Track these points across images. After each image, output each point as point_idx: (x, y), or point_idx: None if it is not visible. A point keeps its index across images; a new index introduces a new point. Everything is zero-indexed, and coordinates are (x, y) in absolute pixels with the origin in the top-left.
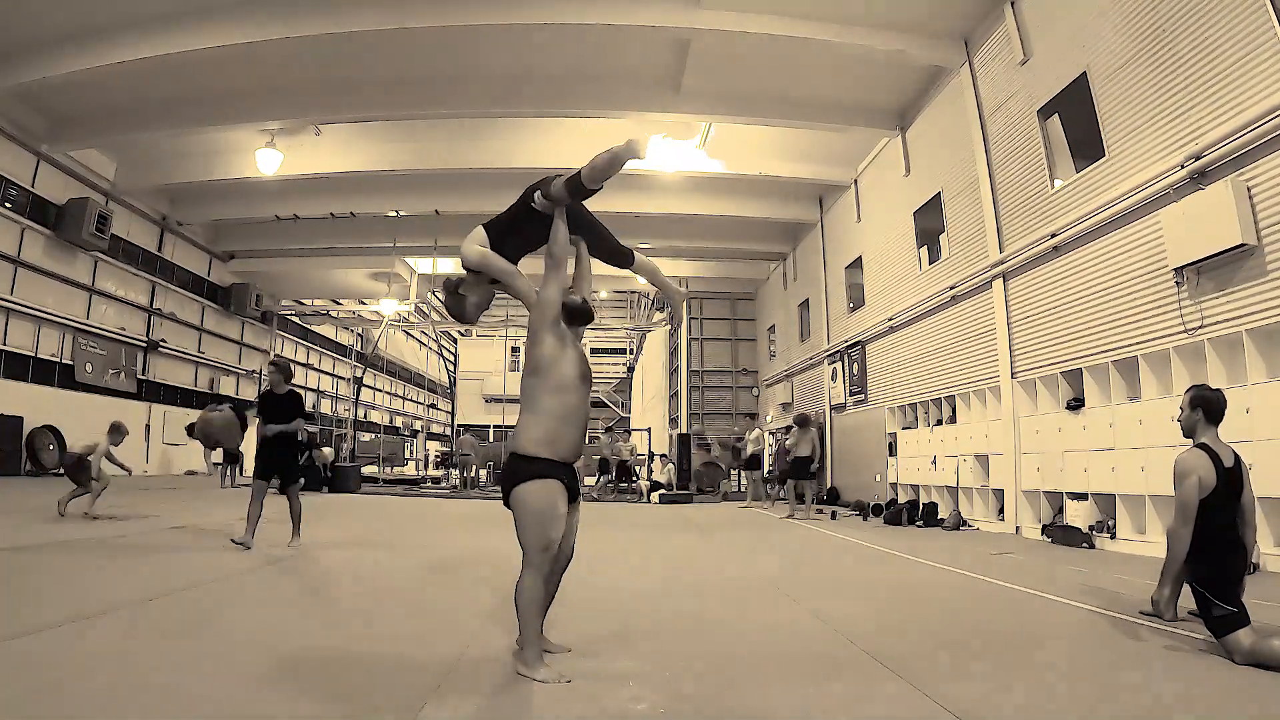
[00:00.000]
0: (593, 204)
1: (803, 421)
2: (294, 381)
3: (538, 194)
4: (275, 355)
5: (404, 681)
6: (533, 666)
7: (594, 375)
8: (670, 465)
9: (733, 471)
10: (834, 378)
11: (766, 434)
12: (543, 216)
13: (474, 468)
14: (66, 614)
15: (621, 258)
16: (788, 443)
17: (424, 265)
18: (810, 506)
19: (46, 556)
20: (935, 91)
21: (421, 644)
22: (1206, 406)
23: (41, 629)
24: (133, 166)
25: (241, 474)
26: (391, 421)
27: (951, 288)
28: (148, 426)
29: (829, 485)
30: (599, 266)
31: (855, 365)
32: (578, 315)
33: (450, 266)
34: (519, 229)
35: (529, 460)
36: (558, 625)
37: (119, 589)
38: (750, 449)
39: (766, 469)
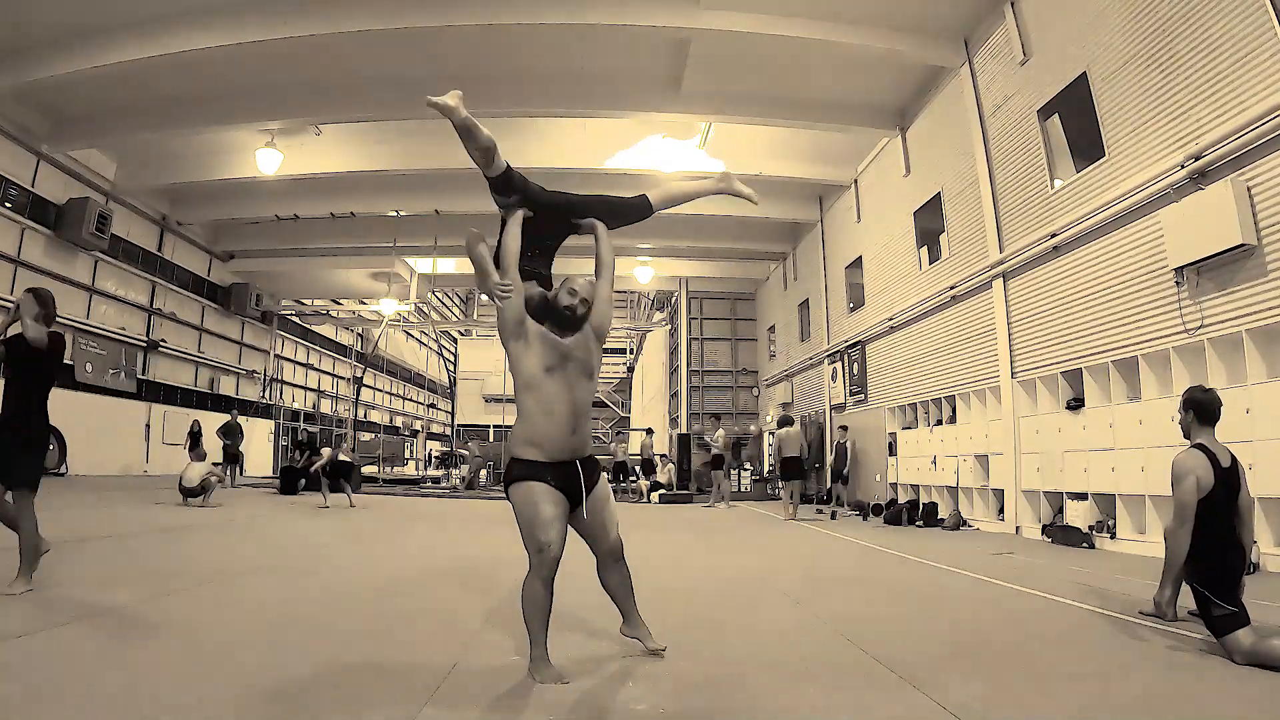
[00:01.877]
0: None
1: (783, 422)
2: (294, 381)
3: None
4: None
5: (403, 683)
6: (535, 667)
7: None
8: (670, 465)
9: (733, 471)
10: (834, 378)
11: (766, 432)
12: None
13: (477, 470)
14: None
15: (640, 210)
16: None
17: (424, 265)
18: (793, 504)
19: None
20: (935, 91)
21: (421, 645)
22: (1198, 409)
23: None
24: (133, 166)
25: (242, 474)
26: (391, 421)
27: (951, 288)
28: (147, 426)
29: (829, 485)
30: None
31: (855, 365)
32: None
33: (452, 267)
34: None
35: (516, 462)
36: (560, 624)
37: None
38: (714, 449)
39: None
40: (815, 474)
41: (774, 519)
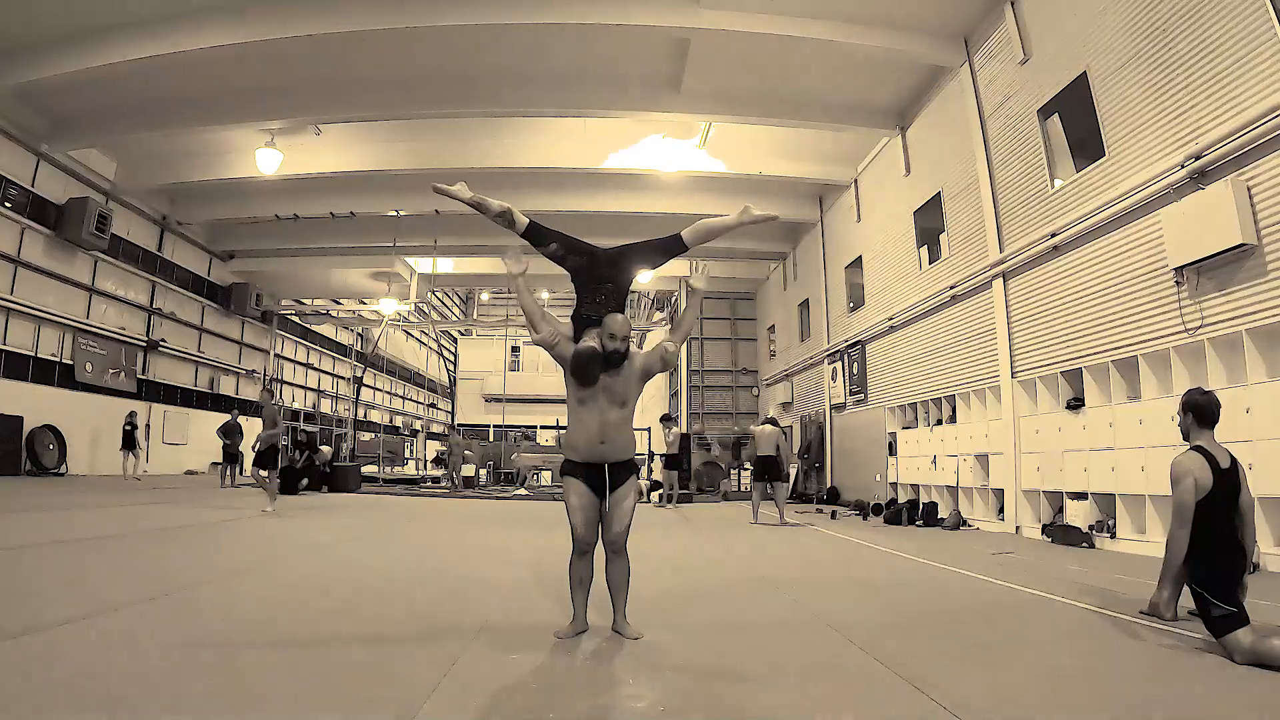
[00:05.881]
0: (587, 203)
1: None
2: (294, 380)
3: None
4: None
5: (404, 680)
6: (570, 625)
7: None
8: None
9: (733, 471)
10: (834, 377)
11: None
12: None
13: (473, 467)
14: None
15: (678, 246)
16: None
17: (424, 265)
18: (779, 507)
19: None
20: (935, 91)
21: (421, 642)
22: (1197, 411)
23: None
24: (133, 166)
25: (241, 473)
26: (391, 421)
27: (951, 287)
28: (148, 426)
29: (829, 484)
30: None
31: (855, 365)
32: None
33: (452, 267)
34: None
35: (564, 460)
36: (564, 621)
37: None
38: (667, 451)
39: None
40: (816, 473)
41: (770, 519)
